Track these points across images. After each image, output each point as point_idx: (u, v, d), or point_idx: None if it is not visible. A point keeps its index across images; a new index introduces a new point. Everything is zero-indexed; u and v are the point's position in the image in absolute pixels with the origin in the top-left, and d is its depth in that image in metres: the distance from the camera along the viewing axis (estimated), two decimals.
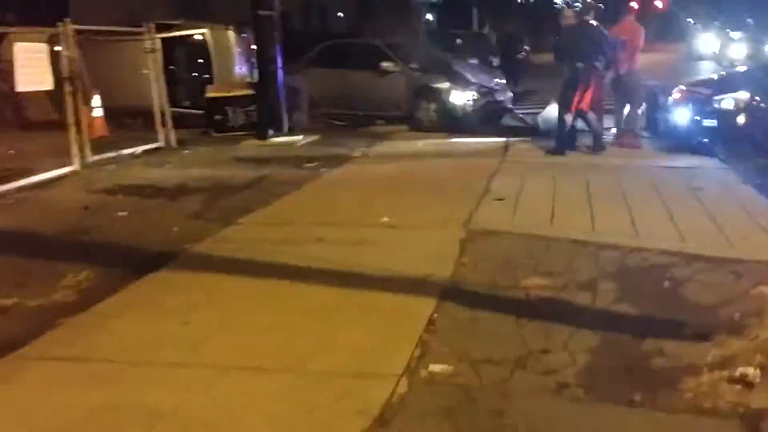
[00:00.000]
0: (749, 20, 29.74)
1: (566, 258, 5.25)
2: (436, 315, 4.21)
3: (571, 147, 9.66)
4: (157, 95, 10.98)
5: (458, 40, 19.53)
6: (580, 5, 13.53)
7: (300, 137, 11.59)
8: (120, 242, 6.10)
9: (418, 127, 12.65)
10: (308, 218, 6.60)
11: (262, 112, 11.73)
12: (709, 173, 8.31)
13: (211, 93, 12.23)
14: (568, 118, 9.48)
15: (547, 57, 13.49)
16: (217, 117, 12.08)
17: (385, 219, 6.37)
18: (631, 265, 5.10)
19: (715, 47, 34.15)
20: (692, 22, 52.16)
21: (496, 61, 17.79)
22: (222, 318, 4.30)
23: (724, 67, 23.68)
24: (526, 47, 26.32)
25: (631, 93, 9.87)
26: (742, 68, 13.27)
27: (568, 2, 19.72)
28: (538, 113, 13.78)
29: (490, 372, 3.56)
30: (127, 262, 5.49)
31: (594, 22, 9.60)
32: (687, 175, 8.15)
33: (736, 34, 31.90)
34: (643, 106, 10.37)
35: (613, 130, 10.37)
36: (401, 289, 4.64)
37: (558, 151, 9.49)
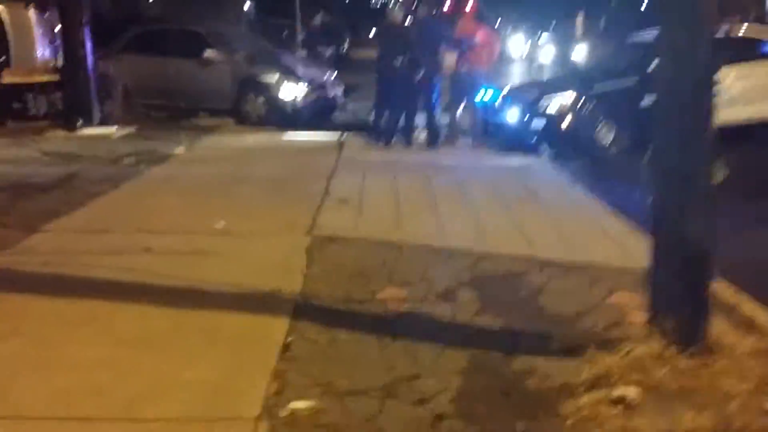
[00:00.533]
0: (554, 23, 31.49)
1: (419, 266, 4.97)
2: (290, 338, 3.74)
3: (406, 141, 9.72)
4: None
5: (285, 32, 18.96)
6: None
7: (114, 129, 10.58)
8: None
9: (245, 121, 12.01)
10: (131, 224, 5.85)
11: (70, 100, 10.57)
12: (542, 174, 8.46)
13: (8, 78, 10.83)
14: (399, 113, 9.54)
15: (367, 52, 13.44)
16: (16, 104, 10.72)
17: (221, 224, 5.79)
18: (486, 272, 4.91)
19: (524, 49, 35.98)
20: (500, 23, 55.79)
21: (327, 54, 17.44)
22: (32, 352, 3.57)
23: (534, 68, 24.88)
24: (346, 41, 26.35)
25: (469, 93, 9.85)
26: (559, 71, 13.81)
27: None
28: (363, 108, 13.66)
29: (358, 405, 3.16)
30: None
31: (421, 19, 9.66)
32: (521, 176, 8.24)
33: (543, 37, 33.74)
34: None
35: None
36: (247, 308, 4.12)
37: (386, 141, 9.69)
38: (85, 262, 4.82)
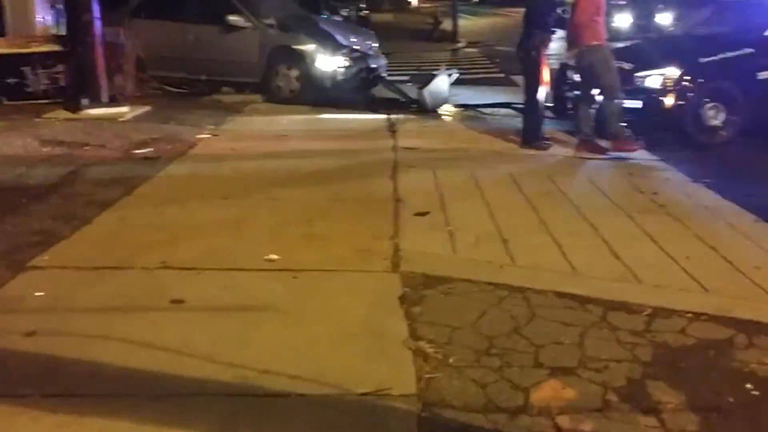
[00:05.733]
0: None
1: (569, 331, 3.44)
2: None
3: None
4: None
5: None
6: None
7: (125, 109, 9.01)
8: None
9: (275, 97, 10.39)
10: (151, 253, 4.31)
11: (74, 74, 9.01)
12: (649, 169, 6.85)
13: (2, 48, 9.29)
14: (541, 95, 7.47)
15: (383, 16, 11.78)
16: (11, 80, 9.18)
17: (273, 256, 4.26)
18: (670, 343, 3.37)
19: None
20: None
21: (346, 16, 15.69)
22: None
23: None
24: (362, 5, 24.74)
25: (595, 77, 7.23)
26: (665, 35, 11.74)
27: None
28: (401, 80, 11.95)
29: None
30: None
31: None
32: (625, 172, 6.66)
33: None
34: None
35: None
36: None
37: (537, 142, 7.46)
38: (87, 331, 3.31)
